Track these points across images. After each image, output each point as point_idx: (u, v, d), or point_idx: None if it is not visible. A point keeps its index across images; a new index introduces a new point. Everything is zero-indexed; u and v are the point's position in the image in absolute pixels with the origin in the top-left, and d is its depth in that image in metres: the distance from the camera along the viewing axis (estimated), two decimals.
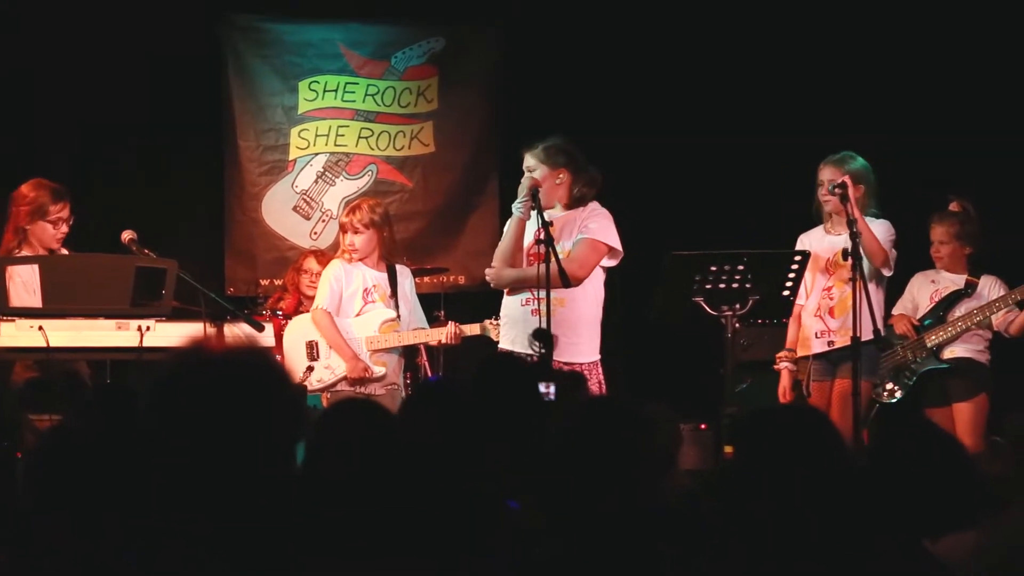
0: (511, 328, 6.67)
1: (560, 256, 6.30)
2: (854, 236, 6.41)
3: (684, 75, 9.38)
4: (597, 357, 6.66)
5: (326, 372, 7.19)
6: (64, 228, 6.97)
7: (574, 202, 6.72)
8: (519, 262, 6.64)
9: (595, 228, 6.65)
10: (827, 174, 6.88)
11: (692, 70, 9.37)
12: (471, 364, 6.84)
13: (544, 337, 5.77)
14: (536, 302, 6.45)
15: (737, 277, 6.35)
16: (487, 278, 6.79)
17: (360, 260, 7.27)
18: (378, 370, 7.19)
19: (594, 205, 6.74)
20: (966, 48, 8.92)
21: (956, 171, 8.38)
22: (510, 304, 6.69)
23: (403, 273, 7.43)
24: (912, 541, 3.04)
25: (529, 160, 6.70)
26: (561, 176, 6.68)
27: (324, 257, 8.29)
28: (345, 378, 7.16)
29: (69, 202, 6.99)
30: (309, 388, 7.10)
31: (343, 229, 7.34)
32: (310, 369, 7.19)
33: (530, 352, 6.38)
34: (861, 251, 6.43)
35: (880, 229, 6.77)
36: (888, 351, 7.16)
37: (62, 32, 9.03)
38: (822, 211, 7.00)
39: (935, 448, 3.28)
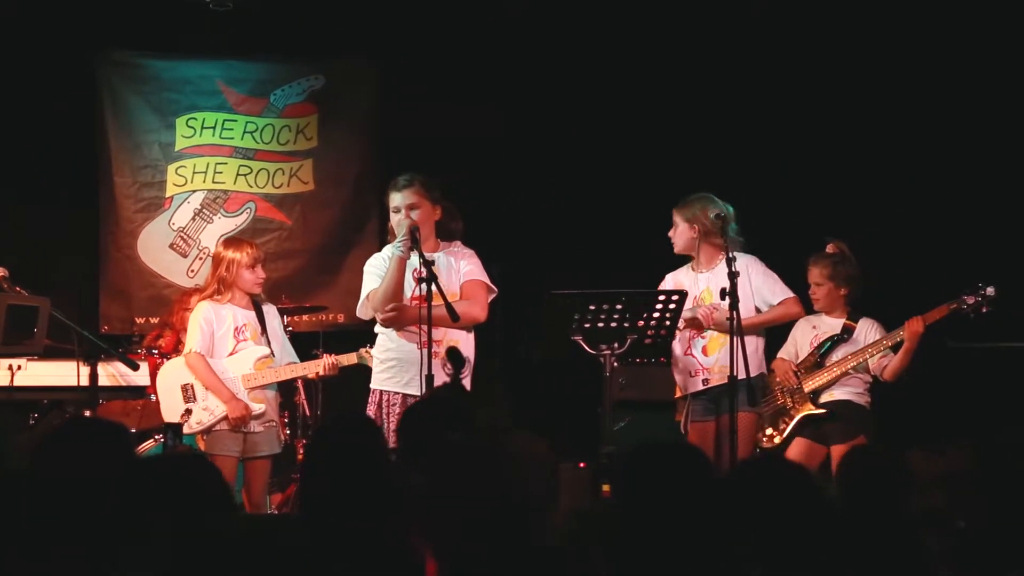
0: (405, 371, 6.54)
1: (447, 297, 6.31)
2: (732, 275, 6.50)
3: (561, 110, 9.47)
4: None
5: (204, 414, 7.11)
6: None
7: (446, 237, 6.72)
8: (401, 301, 6.59)
9: (475, 270, 6.67)
10: (676, 217, 7.05)
11: (566, 103, 9.47)
12: (350, 397, 6.83)
13: (457, 357, 5.72)
14: (433, 344, 6.35)
15: (615, 316, 6.40)
16: (378, 316, 6.64)
17: (230, 300, 7.20)
18: (257, 407, 7.12)
19: (460, 245, 6.75)
20: (852, 87, 9.14)
21: (835, 214, 8.55)
22: (403, 347, 6.57)
23: (270, 311, 7.37)
24: None
25: (406, 198, 6.63)
26: (437, 211, 6.69)
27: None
28: (225, 418, 7.07)
29: None
30: (188, 430, 7.01)
31: (251, 263, 7.17)
32: (188, 412, 7.10)
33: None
34: (738, 290, 6.53)
35: (757, 271, 6.90)
36: (767, 396, 7.24)
37: None
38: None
39: (786, 486, 3.32)
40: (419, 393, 6.41)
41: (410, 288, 6.53)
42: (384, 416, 6.52)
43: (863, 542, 3.40)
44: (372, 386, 6.68)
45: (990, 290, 7.09)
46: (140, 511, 3.07)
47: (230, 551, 2.84)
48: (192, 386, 7.16)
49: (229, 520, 3.22)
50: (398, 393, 6.56)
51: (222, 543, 2.75)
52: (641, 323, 6.46)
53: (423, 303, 6.28)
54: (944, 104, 8.91)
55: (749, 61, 9.24)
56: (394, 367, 6.60)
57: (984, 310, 7.10)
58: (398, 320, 6.56)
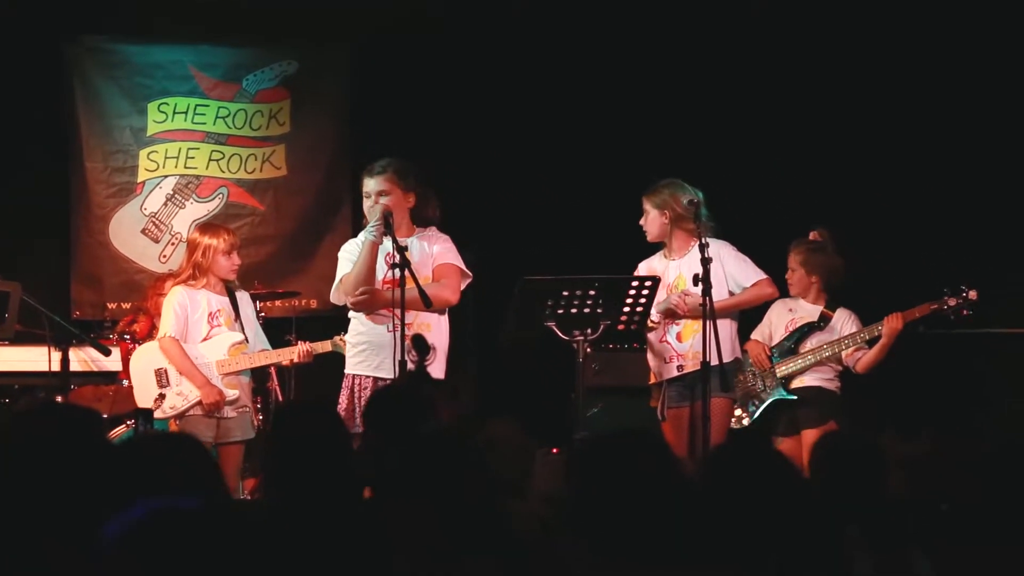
0: (376, 354, 6.56)
1: (420, 282, 6.30)
2: (705, 261, 6.51)
3: (535, 95, 9.46)
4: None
5: (178, 399, 7.09)
6: None
7: (421, 223, 6.72)
8: (373, 285, 6.59)
9: (449, 255, 6.67)
10: (645, 204, 7.03)
11: (545, 90, 9.46)
12: (323, 383, 6.83)
13: (422, 345, 5.74)
14: (406, 329, 6.35)
15: (589, 302, 6.41)
16: (349, 300, 6.65)
17: (204, 285, 7.19)
18: (231, 393, 7.11)
19: (434, 230, 6.75)
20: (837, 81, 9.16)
21: (826, 205, 8.57)
22: (374, 331, 6.60)
23: (243, 298, 7.36)
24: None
25: (378, 184, 6.62)
26: (410, 198, 6.68)
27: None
28: (199, 403, 7.06)
29: None
30: (161, 415, 7.00)
31: (227, 249, 7.16)
32: (161, 396, 7.09)
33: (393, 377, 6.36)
34: (711, 276, 6.53)
35: (729, 255, 6.89)
36: (739, 377, 7.24)
37: None
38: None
39: (769, 474, 3.30)
40: (390, 377, 6.42)
41: (382, 272, 6.53)
42: (356, 400, 6.54)
43: (840, 526, 3.41)
44: (345, 371, 6.69)
45: (972, 294, 7.11)
46: (126, 491, 3.06)
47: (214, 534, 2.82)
48: (166, 371, 7.15)
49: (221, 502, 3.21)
50: (369, 377, 6.57)
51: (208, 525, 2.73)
52: (615, 309, 6.47)
53: (395, 286, 6.28)
54: (937, 103, 8.94)
55: (745, 57, 9.24)
56: (365, 351, 6.62)
57: (964, 313, 7.14)
58: (369, 304, 6.57)
